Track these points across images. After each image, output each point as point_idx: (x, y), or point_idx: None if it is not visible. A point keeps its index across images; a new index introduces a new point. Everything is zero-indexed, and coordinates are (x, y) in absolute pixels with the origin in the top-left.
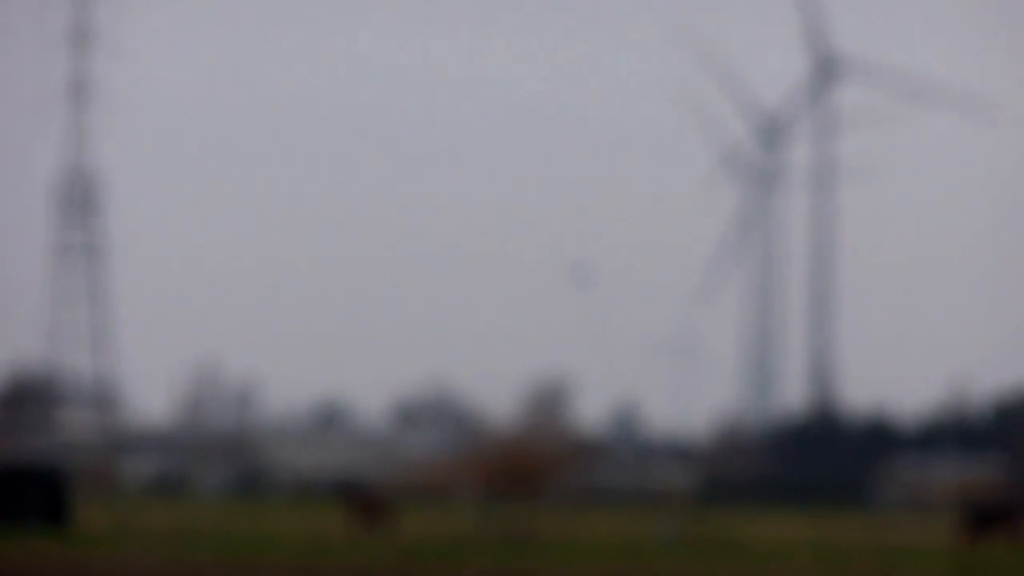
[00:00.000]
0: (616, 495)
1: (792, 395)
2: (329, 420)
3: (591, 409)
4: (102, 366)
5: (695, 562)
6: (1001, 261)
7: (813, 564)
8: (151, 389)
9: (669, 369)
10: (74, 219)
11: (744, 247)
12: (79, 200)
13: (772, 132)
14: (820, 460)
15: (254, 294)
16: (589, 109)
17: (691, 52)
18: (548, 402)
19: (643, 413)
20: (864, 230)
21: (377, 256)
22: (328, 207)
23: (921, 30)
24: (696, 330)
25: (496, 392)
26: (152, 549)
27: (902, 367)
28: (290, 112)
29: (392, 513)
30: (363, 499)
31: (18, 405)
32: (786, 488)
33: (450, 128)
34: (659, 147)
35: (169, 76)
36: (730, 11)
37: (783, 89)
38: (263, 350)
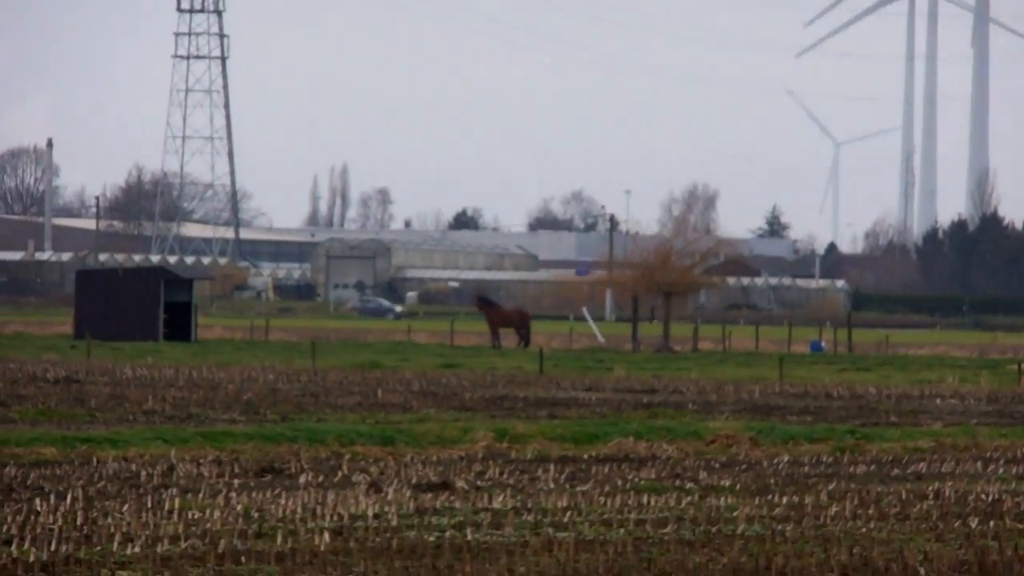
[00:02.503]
0: (766, 305)
1: (952, 209)
2: (463, 229)
3: (740, 220)
4: (227, 171)
5: (848, 375)
6: None
7: (967, 380)
8: (280, 196)
9: (825, 179)
10: (197, 20)
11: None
12: (202, 1)
13: None
14: (980, 273)
15: (386, 100)
16: None
17: None
18: (693, 210)
19: (796, 223)
20: None
21: (509, 61)
22: (454, 15)
23: None
24: (856, 142)
25: (637, 201)
26: (275, 357)
27: None
28: None
29: (528, 324)
30: (501, 311)
31: (141, 209)
32: (943, 301)
33: None
34: None
35: None
36: None
37: None
38: (394, 159)
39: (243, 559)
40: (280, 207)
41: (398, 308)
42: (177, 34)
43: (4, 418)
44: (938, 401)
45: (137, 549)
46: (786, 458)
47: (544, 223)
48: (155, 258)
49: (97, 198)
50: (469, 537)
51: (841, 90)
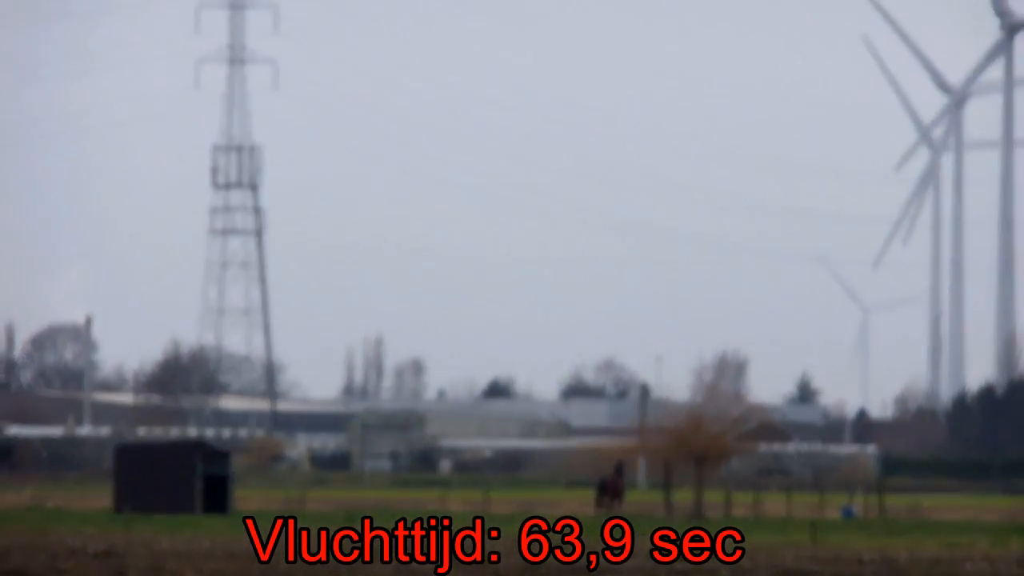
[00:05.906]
0: (798, 471)
1: (980, 373)
2: (496, 398)
3: (770, 386)
4: (263, 344)
5: (880, 540)
6: None
7: (998, 544)
8: (315, 367)
9: (852, 344)
10: (232, 196)
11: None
12: (238, 177)
13: (958, 99)
14: (1010, 437)
15: (419, 271)
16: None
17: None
18: (724, 377)
19: (825, 390)
20: None
21: (540, 231)
22: (485, 184)
23: None
24: (880, 307)
25: (668, 369)
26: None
27: None
28: (454, 95)
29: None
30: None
31: (178, 383)
32: (973, 465)
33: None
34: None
35: (329, 51)
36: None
37: (968, 59)
38: (428, 329)
39: None
40: (315, 378)
41: None
42: (213, 209)
43: None
44: (968, 565)
45: None
46: None
47: (576, 390)
48: (193, 431)
49: (135, 373)
50: None
51: (869, 256)
